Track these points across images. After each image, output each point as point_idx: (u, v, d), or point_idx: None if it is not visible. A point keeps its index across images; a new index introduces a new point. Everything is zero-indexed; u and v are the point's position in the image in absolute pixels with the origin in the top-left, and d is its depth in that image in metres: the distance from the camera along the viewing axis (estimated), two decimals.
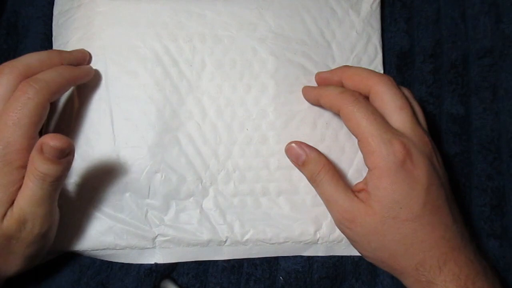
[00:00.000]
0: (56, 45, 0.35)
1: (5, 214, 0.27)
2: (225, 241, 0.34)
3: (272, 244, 0.34)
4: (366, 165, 0.30)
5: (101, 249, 0.33)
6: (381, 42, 0.38)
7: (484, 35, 0.39)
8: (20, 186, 0.28)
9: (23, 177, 0.27)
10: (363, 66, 0.37)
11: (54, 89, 0.29)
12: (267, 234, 0.34)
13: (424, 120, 0.32)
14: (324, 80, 0.34)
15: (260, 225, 0.34)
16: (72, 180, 0.33)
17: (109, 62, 0.34)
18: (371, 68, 0.37)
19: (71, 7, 0.35)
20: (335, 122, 0.35)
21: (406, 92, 0.32)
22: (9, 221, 0.27)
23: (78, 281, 0.33)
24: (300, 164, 0.33)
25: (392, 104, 0.30)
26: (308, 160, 0.32)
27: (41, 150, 0.26)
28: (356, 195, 0.30)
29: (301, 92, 0.35)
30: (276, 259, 0.35)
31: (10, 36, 0.37)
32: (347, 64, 0.36)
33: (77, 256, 0.34)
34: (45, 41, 0.37)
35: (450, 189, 0.31)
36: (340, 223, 0.31)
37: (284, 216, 0.34)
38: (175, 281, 0.34)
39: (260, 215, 0.34)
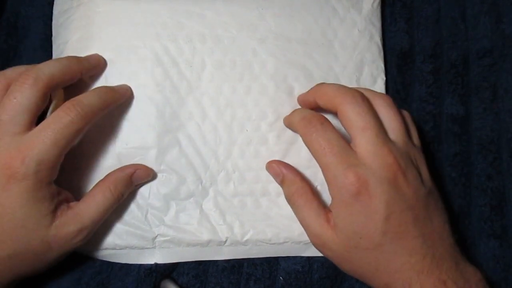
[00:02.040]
0: (55, 45, 0.35)
1: (50, 225, 0.28)
2: (225, 241, 0.34)
3: (272, 244, 0.34)
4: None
5: (101, 249, 0.33)
6: (382, 41, 0.38)
7: (484, 35, 0.39)
8: (54, 200, 0.29)
9: (53, 193, 0.29)
10: (366, 64, 0.37)
11: (96, 115, 0.30)
12: (267, 235, 0.34)
13: (401, 134, 0.30)
14: (302, 102, 0.34)
15: (260, 225, 0.34)
16: (72, 180, 0.33)
17: (109, 62, 0.34)
18: (374, 66, 0.37)
19: (71, 6, 0.35)
20: (334, 122, 0.35)
21: (382, 102, 0.31)
22: (64, 230, 0.29)
23: (78, 281, 0.33)
24: (278, 182, 0.34)
25: (355, 124, 0.29)
26: (284, 181, 0.33)
27: (130, 178, 0.32)
28: (327, 219, 0.30)
29: (301, 93, 0.35)
30: (276, 259, 0.35)
31: (10, 36, 0.37)
32: (349, 63, 0.36)
33: (77, 256, 0.34)
34: (45, 41, 0.37)
35: (433, 201, 0.30)
36: (313, 244, 0.31)
37: (284, 216, 0.34)
38: (175, 281, 0.34)
39: (260, 216, 0.34)
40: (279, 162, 0.34)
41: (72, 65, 0.31)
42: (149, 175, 0.33)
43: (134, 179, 0.32)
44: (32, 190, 0.27)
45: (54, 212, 0.29)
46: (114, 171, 0.32)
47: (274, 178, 0.34)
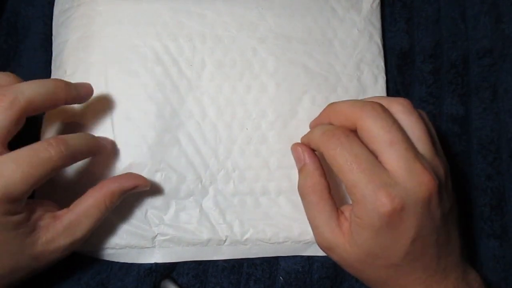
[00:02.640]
0: (55, 44, 0.35)
1: (35, 243, 0.27)
2: (225, 241, 0.34)
3: (272, 243, 0.34)
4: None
5: (100, 249, 0.33)
6: (382, 41, 0.38)
7: (484, 35, 0.39)
8: (30, 221, 0.27)
9: (25, 217, 0.26)
10: (366, 63, 0.37)
11: (77, 159, 0.28)
12: (266, 234, 0.34)
13: (428, 144, 0.28)
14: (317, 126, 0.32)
15: (260, 224, 0.34)
16: (72, 179, 0.33)
17: (109, 61, 0.34)
18: (374, 65, 0.37)
19: (71, 6, 0.35)
20: None
21: (402, 108, 0.28)
22: (53, 245, 0.27)
23: (78, 281, 0.33)
24: (298, 168, 0.32)
25: (380, 139, 0.26)
26: (303, 170, 0.31)
27: (128, 190, 0.30)
28: (340, 224, 0.28)
29: (301, 92, 0.35)
30: (276, 259, 0.35)
31: (10, 36, 0.37)
32: (350, 61, 0.36)
33: (77, 256, 0.34)
34: (45, 41, 0.37)
35: (453, 215, 0.29)
36: (319, 245, 0.30)
37: (283, 215, 0.34)
38: (175, 281, 0.34)
39: (259, 215, 0.34)
40: (305, 148, 0.31)
41: (58, 91, 0.28)
42: (147, 187, 0.31)
43: (130, 192, 0.31)
44: None
45: (33, 231, 0.27)
46: (112, 182, 0.30)
47: (295, 161, 0.32)
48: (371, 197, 0.26)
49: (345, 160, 0.27)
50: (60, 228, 0.28)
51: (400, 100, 0.29)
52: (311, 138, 0.30)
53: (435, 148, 0.29)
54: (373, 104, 0.27)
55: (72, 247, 0.29)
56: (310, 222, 0.30)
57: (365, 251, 0.27)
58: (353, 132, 0.28)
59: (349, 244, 0.28)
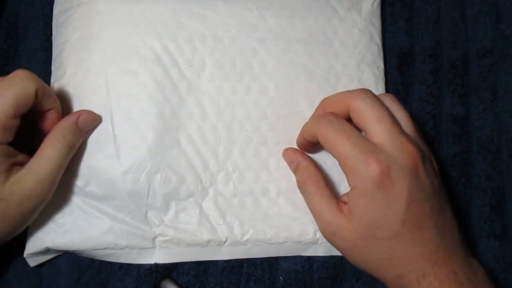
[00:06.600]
0: (55, 44, 0.35)
1: (4, 183, 0.28)
2: (225, 241, 0.34)
3: (272, 244, 0.34)
4: (348, 184, 0.30)
5: (100, 249, 0.33)
6: (382, 41, 0.38)
7: (484, 35, 0.39)
8: (9, 160, 0.29)
9: (7, 153, 0.29)
10: (367, 63, 0.37)
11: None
12: (266, 234, 0.34)
13: (412, 127, 0.31)
14: None
15: (260, 225, 0.34)
16: (72, 180, 0.33)
17: (109, 62, 0.34)
18: (374, 66, 0.37)
19: (71, 6, 0.35)
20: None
21: (388, 99, 0.31)
22: (20, 187, 0.29)
23: (77, 281, 0.33)
24: (292, 170, 0.34)
25: (369, 116, 0.29)
26: (298, 168, 0.33)
27: (75, 123, 0.31)
28: (340, 208, 0.30)
29: (301, 93, 0.35)
30: (276, 259, 0.35)
31: (10, 36, 0.37)
32: (350, 61, 0.37)
33: (77, 256, 0.34)
34: (45, 41, 0.37)
35: (443, 194, 0.30)
36: (323, 233, 0.31)
37: (283, 216, 0.34)
38: (175, 281, 0.34)
39: (259, 215, 0.34)
40: (295, 150, 0.34)
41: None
42: (96, 119, 0.33)
43: (80, 125, 0.32)
44: None
45: (8, 171, 0.29)
46: (59, 122, 0.31)
47: (289, 166, 0.34)
48: (362, 164, 0.28)
49: (336, 136, 0.29)
50: (23, 172, 0.29)
51: (386, 94, 0.33)
52: (305, 130, 0.33)
53: (419, 135, 0.31)
54: (364, 89, 0.30)
55: (38, 190, 0.29)
56: (312, 212, 0.31)
57: (365, 222, 0.28)
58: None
59: (350, 223, 0.29)
